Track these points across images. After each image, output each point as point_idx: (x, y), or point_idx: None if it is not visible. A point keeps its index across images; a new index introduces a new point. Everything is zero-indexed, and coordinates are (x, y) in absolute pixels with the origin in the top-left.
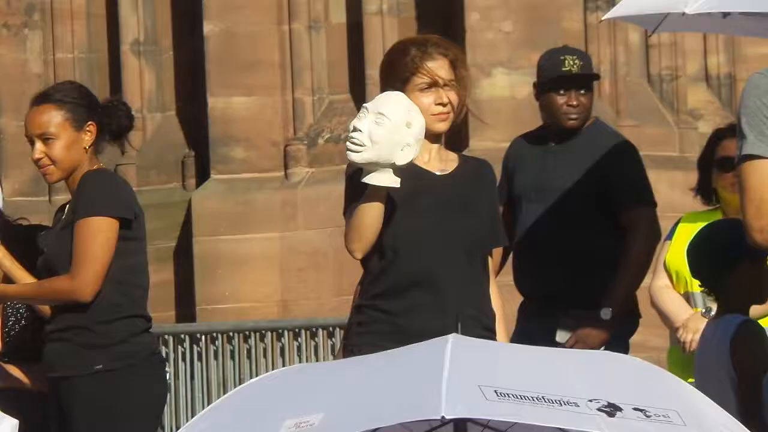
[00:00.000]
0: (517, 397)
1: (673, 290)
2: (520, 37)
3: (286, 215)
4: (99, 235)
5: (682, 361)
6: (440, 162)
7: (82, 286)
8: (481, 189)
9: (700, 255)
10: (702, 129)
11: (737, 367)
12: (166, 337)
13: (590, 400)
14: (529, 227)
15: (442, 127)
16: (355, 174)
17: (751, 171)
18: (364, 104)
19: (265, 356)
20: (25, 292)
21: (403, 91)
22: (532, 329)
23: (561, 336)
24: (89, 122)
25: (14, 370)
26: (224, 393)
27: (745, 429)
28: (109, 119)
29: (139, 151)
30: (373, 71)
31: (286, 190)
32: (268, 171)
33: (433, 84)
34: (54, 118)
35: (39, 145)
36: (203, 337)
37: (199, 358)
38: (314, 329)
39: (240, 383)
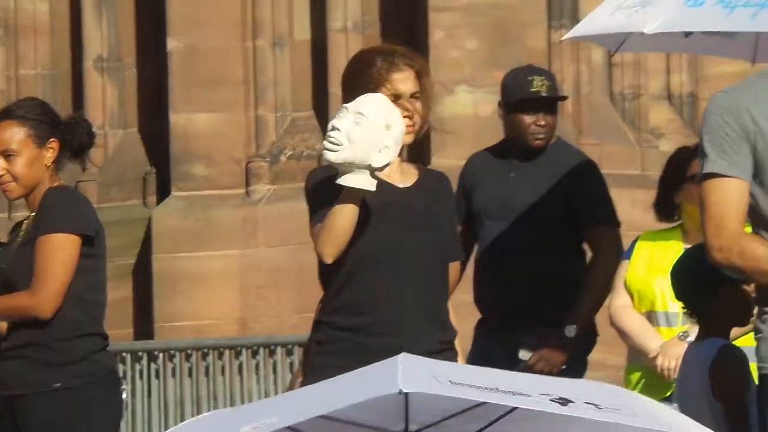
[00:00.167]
0: (471, 386)
1: (633, 310)
2: (484, 55)
3: (247, 232)
4: (60, 252)
5: (649, 380)
6: (401, 175)
7: (42, 302)
8: (441, 202)
9: (683, 277)
10: (663, 147)
11: (716, 391)
12: (124, 354)
13: (542, 394)
14: (492, 244)
15: (407, 139)
16: (317, 185)
17: (712, 189)
18: (344, 104)
19: (223, 374)
20: None
21: None
22: (492, 345)
23: (523, 354)
24: (51, 139)
25: None
26: (181, 411)
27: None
28: (71, 136)
29: (101, 167)
30: (336, 88)
31: (247, 208)
32: (230, 188)
33: (398, 96)
34: (16, 134)
35: (0, 162)
36: (161, 354)
37: (157, 376)
38: (273, 347)
39: (197, 401)
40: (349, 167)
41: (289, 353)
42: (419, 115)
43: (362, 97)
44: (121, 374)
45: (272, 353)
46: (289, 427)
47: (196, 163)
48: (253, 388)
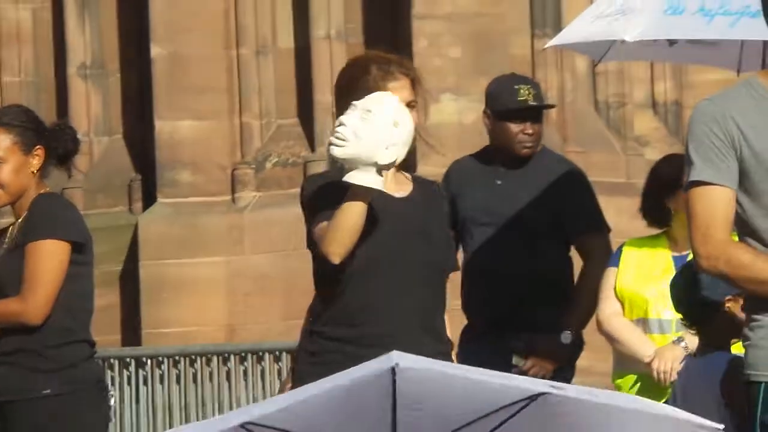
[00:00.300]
0: (466, 370)
1: (623, 317)
2: (468, 64)
3: (233, 239)
4: (51, 258)
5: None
6: (396, 184)
7: (33, 308)
8: (436, 212)
9: (685, 290)
10: (649, 155)
11: (731, 404)
12: (112, 360)
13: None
14: (478, 251)
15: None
16: (315, 191)
17: (698, 197)
18: (353, 102)
19: (211, 380)
20: None
21: None
22: (480, 351)
23: (516, 360)
24: (37, 146)
25: None
26: (169, 417)
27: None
28: (57, 143)
29: (86, 174)
30: (321, 96)
31: (233, 214)
32: (215, 195)
33: None
34: (2, 141)
35: None
36: (149, 361)
37: (145, 383)
38: (261, 353)
39: (185, 408)
40: (354, 164)
41: (277, 360)
42: (415, 124)
43: (372, 94)
44: (109, 380)
45: (260, 360)
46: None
47: (181, 170)
48: (242, 395)
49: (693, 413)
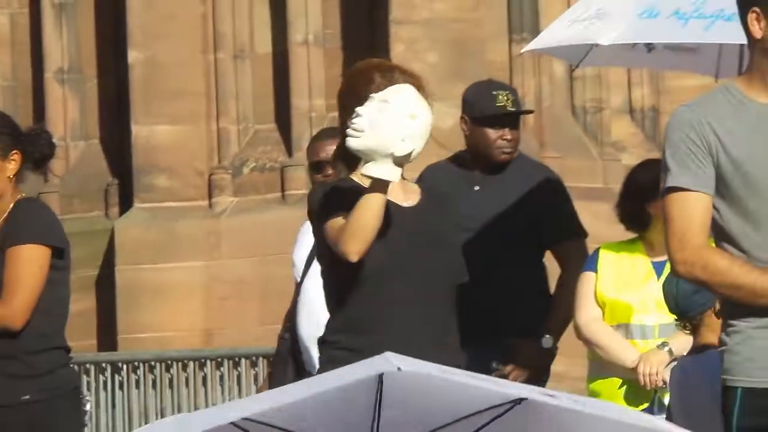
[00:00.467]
0: (462, 375)
1: (603, 322)
2: (445, 69)
3: (210, 244)
4: (33, 263)
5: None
6: (404, 193)
7: (15, 313)
8: (447, 220)
9: (680, 290)
10: (626, 161)
11: None
12: (88, 366)
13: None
14: None
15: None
16: (323, 197)
17: (675, 203)
18: (371, 94)
19: (187, 386)
20: None
21: None
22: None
23: (497, 364)
24: (14, 151)
25: None
26: (146, 422)
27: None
28: (33, 147)
29: (63, 179)
30: (298, 101)
31: (210, 219)
32: (192, 200)
33: None
34: None
35: None
36: (125, 366)
37: (121, 388)
38: (237, 359)
39: (161, 413)
40: (371, 155)
41: (254, 365)
42: None
43: (391, 86)
44: (85, 386)
45: (237, 365)
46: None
47: (158, 174)
48: (218, 400)
49: (689, 412)
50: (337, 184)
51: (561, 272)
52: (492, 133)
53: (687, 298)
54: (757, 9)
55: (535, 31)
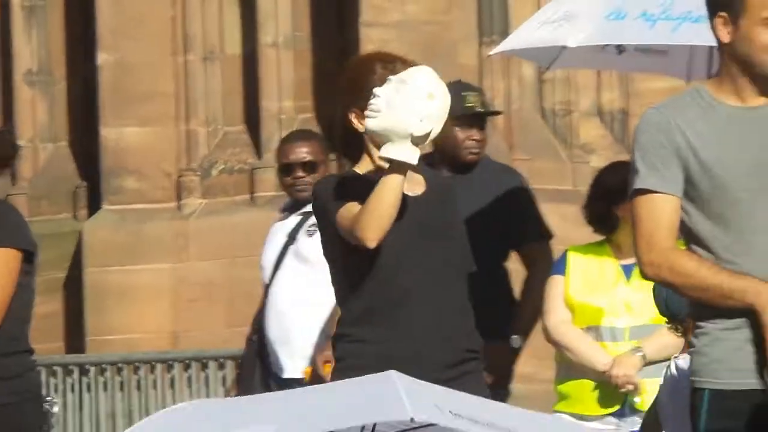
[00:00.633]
0: (471, 420)
1: (572, 325)
2: None
3: (179, 246)
4: (4, 266)
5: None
6: (410, 183)
7: None
8: (453, 210)
9: (670, 293)
10: (594, 163)
11: None
12: (55, 368)
13: None
14: None
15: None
16: (332, 188)
17: (643, 205)
18: (389, 77)
19: (154, 388)
20: None
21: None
22: None
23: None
24: None
25: None
26: (113, 425)
27: None
28: None
29: (31, 181)
30: (268, 103)
31: (178, 221)
32: (161, 202)
33: None
34: None
35: None
36: (92, 368)
37: (88, 390)
38: (205, 361)
39: (129, 415)
40: (388, 136)
41: (221, 367)
42: None
43: (409, 68)
44: (52, 388)
45: (204, 367)
46: None
47: (127, 176)
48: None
49: (679, 412)
50: (344, 175)
51: (527, 273)
52: (460, 133)
53: (677, 301)
54: (723, 14)
55: (505, 34)
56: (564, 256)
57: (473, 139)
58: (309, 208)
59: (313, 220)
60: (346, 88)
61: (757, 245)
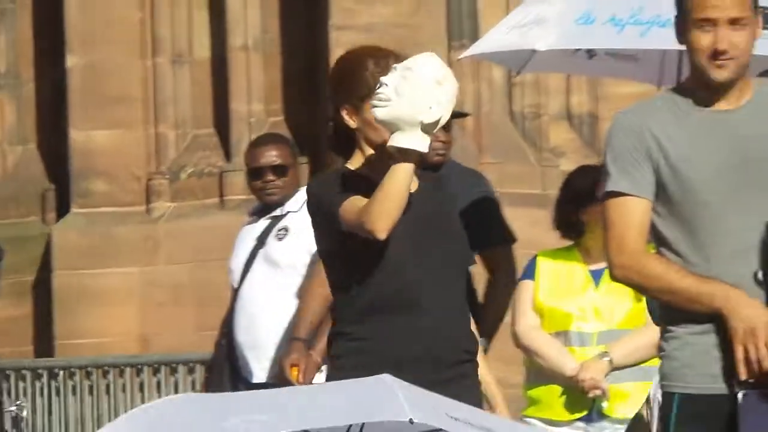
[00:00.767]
0: (468, 424)
1: (542, 330)
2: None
3: (148, 249)
4: None
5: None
6: None
7: None
8: (450, 205)
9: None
10: (564, 167)
11: None
12: (24, 372)
13: None
14: None
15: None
16: (329, 183)
17: (614, 208)
18: (394, 65)
19: (124, 392)
20: None
21: (361, 109)
22: None
23: None
24: None
25: None
26: (82, 429)
27: None
28: None
29: None
30: (237, 106)
31: (147, 225)
32: (130, 205)
33: None
34: None
35: None
36: (61, 372)
37: (57, 394)
38: (174, 365)
39: (98, 419)
40: (398, 125)
41: (191, 371)
42: None
43: (415, 55)
44: (21, 392)
45: (173, 371)
46: None
47: (96, 179)
48: None
49: None
50: (339, 171)
51: (490, 277)
52: None
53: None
54: (677, 18)
55: (474, 37)
56: (533, 261)
57: (439, 141)
58: (278, 211)
59: (282, 223)
60: (338, 84)
61: (726, 248)
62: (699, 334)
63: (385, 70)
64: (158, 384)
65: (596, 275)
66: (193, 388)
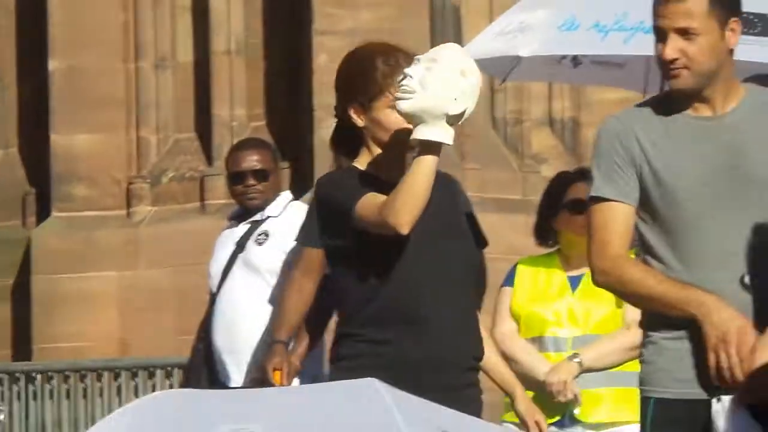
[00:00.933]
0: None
1: (518, 336)
2: (395, 72)
3: (128, 253)
4: None
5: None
6: None
7: None
8: (459, 207)
9: None
10: (545, 173)
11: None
12: (1, 376)
13: None
14: None
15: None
16: (339, 182)
17: (597, 213)
18: (416, 56)
19: (101, 396)
20: None
21: (369, 108)
22: None
23: None
24: None
25: None
26: None
27: None
28: None
29: None
30: (219, 110)
31: (128, 229)
32: (111, 209)
33: None
34: None
35: None
36: (39, 376)
37: (35, 398)
38: (152, 369)
39: (76, 423)
40: (423, 117)
41: (169, 375)
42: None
43: (437, 46)
44: None
45: (151, 375)
46: None
47: (77, 183)
48: None
49: None
50: (348, 170)
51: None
52: None
53: None
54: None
55: (458, 43)
56: (513, 269)
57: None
58: (258, 216)
59: (262, 228)
60: (345, 82)
61: (708, 254)
62: (675, 339)
63: (395, 68)
64: (136, 388)
65: (574, 281)
66: None
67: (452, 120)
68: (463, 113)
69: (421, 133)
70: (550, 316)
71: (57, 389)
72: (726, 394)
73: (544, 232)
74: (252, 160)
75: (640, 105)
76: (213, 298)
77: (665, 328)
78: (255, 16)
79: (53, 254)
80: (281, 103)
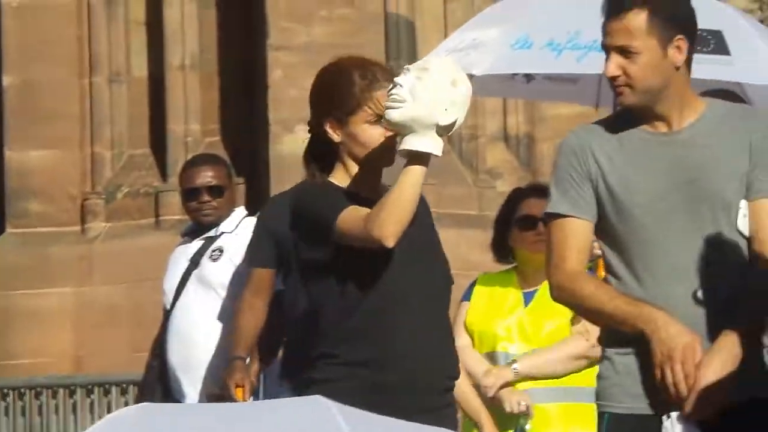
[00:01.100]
0: None
1: (473, 350)
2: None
3: (82, 270)
4: None
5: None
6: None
7: None
8: (430, 225)
9: None
10: (501, 188)
11: None
12: None
13: None
14: None
15: (394, 159)
16: (315, 194)
17: (554, 229)
18: (406, 66)
19: (56, 413)
20: None
21: (346, 123)
22: None
23: None
24: None
25: None
26: None
27: None
28: None
29: None
30: (174, 125)
31: (82, 245)
32: (65, 225)
33: (381, 116)
34: None
35: None
36: None
37: None
38: (107, 386)
39: None
40: (412, 127)
41: (124, 392)
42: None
43: (427, 57)
44: None
45: (107, 392)
46: None
47: (31, 199)
48: (88, 428)
49: None
50: (325, 184)
51: None
52: None
53: None
54: None
55: (413, 58)
56: (472, 284)
57: None
58: (213, 232)
59: (217, 244)
60: (321, 96)
61: (662, 270)
62: (627, 355)
63: (373, 83)
64: (91, 405)
65: (528, 296)
66: None
67: (442, 131)
68: (453, 124)
69: (410, 144)
70: (501, 332)
71: (12, 406)
72: (675, 410)
73: (502, 249)
74: (206, 176)
75: (598, 121)
76: (167, 314)
77: (618, 344)
78: (210, 30)
79: (8, 271)
80: (236, 118)
